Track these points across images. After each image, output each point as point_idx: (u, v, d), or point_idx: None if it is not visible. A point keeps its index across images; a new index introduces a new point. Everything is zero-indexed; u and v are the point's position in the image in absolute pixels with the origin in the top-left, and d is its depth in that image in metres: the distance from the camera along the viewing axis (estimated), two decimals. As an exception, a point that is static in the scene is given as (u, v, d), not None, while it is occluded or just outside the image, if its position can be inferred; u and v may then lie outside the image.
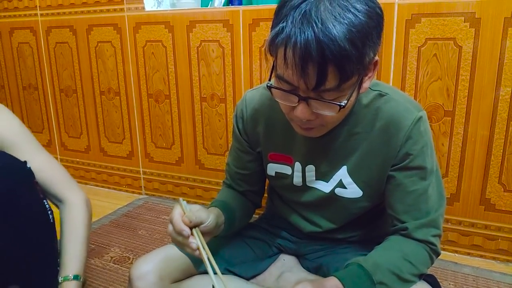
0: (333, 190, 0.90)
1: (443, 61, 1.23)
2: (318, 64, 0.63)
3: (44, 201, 0.95)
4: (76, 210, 1.00)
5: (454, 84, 1.23)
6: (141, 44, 1.70)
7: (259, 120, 0.97)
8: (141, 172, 1.87)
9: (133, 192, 1.91)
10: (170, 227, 0.78)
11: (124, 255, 1.35)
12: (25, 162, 0.91)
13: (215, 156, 1.67)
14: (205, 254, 0.74)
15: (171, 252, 1.02)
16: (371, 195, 0.88)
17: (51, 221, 0.95)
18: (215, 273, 0.72)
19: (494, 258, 1.28)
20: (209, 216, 0.80)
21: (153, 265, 0.98)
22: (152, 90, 1.73)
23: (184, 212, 0.77)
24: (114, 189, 1.96)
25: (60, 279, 0.92)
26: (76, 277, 0.93)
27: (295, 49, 0.64)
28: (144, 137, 1.81)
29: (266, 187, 1.16)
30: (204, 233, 0.79)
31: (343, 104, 0.70)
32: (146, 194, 1.89)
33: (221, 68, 1.55)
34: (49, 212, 0.95)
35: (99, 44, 1.80)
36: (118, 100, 1.83)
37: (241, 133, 1.01)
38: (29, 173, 0.92)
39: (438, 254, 0.84)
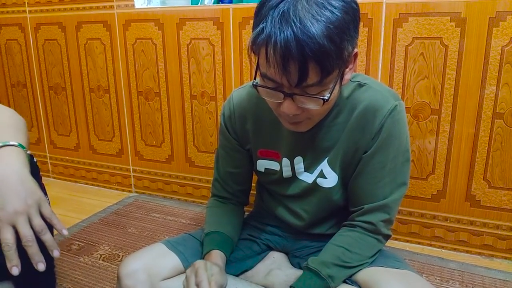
0: (315, 180, 0.93)
1: (429, 60, 1.25)
2: (298, 62, 0.66)
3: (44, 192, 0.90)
4: None
5: (441, 82, 1.25)
6: (131, 42, 1.69)
7: (247, 118, 0.98)
8: (131, 170, 1.86)
9: (123, 190, 1.91)
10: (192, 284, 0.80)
11: (114, 252, 1.35)
12: (31, 155, 0.78)
13: (206, 154, 1.67)
14: None
15: (160, 250, 1.02)
16: (344, 183, 0.92)
17: None
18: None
19: (479, 253, 1.30)
20: (226, 279, 0.87)
21: (142, 263, 0.98)
22: (142, 88, 1.73)
23: (208, 276, 0.81)
24: (104, 187, 1.95)
25: None
26: (21, 146, 0.71)
27: (275, 49, 0.66)
28: (134, 135, 1.81)
29: (254, 184, 1.18)
30: None
31: (327, 98, 0.72)
32: (136, 192, 1.88)
33: (211, 66, 1.56)
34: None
35: (88, 41, 1.79)
36: (107, 97, 1.82)
37: (230, 132, 1.02)
38: (35, 167, 0.84)
39: (387, 236, 0.90)
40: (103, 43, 1.76)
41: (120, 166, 1.88)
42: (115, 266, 1.24)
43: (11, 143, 0.70)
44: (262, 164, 1.01)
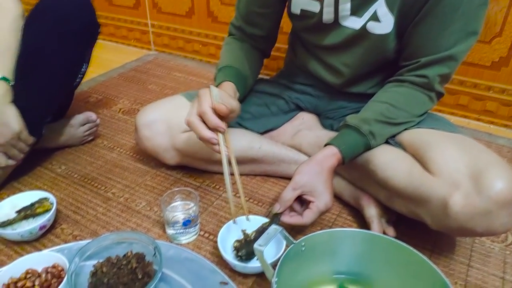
0: (364, 26, 0.77)
1: None
2: None
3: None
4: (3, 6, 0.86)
5: None
6: None
7: None
8: (149, 24, 1.69)
9: (142, 48, 1.77)
10: (193, 117, 0.68)
11: (133, 107, 1.28)
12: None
13: (230, 8, 1.47)
14: (229, 160, 0.71)
15: (180, 101, 0.93)
16: (400, 29, 0.76)
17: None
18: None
19: (533, 132, 1.17)
20: (238, 104, 0.72)
21: (160, 113, 0.90)
22: None
23: (213, 101, 0.68)
24: (122, 43, 1.81)
25: None
26: (4, 79, 0.83)
27: None
28: (151, -18, 1.59)
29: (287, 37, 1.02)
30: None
31: None
32: (156, 50, 1.75)
33: None
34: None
35: None
36: None
37: None
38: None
39: (440, 95, 0.79)
40: None
41: (138, 20, 1.71)
42: (134, 120, 1.18)
43: None
44: (298, 4, 0.83)
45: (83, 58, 0.98)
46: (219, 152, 0.69)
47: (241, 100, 0.87)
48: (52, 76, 0.90)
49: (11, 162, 0.87)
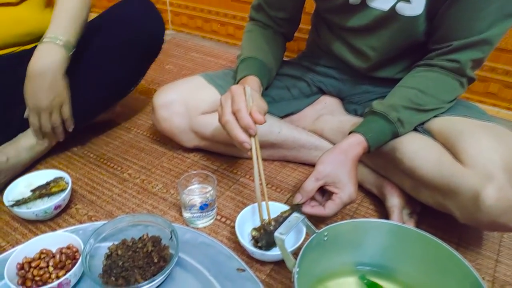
0: (393, 7, 0.72)
1: None
2: None
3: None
4: None
5: None
6: None
7: None
8: (168, 3, 1.66)
9: (159, 27, 1.75)
10: (229, 116, 0.66)
11: (151, 87, 1.26)
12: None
13: (252, -13, 1.42)
14: (257, 164, 0.68)
15: (198, 82, 0.91)
16: (432, 11, 0.71)
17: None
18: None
19: None
20: (267, 106, 0.71)
21: (178, 94, 0.88)
22: None
23: (247, 103, 0.66)
24: (139, 22, 1.79)
25: (45, 38, 0.78)
26: (66, 46, 0.78)
27: None
28: (170, -41, 1.55)
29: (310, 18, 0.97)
30: None
31: None
32: (174, 30, 1.71)
33: None
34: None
35: None
36: None
37: None
38: None
39: (471, 80, 0.74)
40: None
41: (156, -2, 1.68)
42: (151, 100, 1.16)
43: (57, 42, 0.77)
44: None
45: (141, 71, 0.99)
46: (250, 153, 0.67)
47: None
48: (108, 84, 0.91)
49: (37, 135, 0.85)
